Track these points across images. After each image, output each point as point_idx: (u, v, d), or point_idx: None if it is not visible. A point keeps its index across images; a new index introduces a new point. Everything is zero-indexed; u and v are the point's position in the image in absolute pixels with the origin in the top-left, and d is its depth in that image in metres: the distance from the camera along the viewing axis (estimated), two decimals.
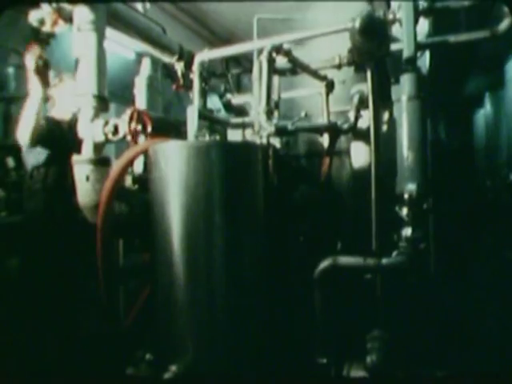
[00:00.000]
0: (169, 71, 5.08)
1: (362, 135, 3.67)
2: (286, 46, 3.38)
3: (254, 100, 3.39)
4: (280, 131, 3.11)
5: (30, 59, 3.06)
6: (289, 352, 2.80)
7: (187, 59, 4.34)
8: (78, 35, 2.98)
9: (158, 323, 2.70)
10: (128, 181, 3.44)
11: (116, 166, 2.81)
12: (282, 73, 3.94)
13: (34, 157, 3.28)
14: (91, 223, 2.94)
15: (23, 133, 3.17)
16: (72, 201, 3.08)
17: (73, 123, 3.25)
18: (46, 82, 3.19)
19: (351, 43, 3.04)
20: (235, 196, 2.57)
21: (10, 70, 5.02)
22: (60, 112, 3.53)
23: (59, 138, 3.35)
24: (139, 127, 2.87)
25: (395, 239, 2.91)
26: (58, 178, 3.28)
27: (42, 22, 3.17)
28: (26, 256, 3.33)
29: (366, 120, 3.56)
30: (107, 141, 2.93)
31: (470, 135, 7.80)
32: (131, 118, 2.85)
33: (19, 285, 3.37)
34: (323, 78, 4.11)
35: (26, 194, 3.32)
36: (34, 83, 3.14)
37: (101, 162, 3.00)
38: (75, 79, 3.03)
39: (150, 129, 2.92)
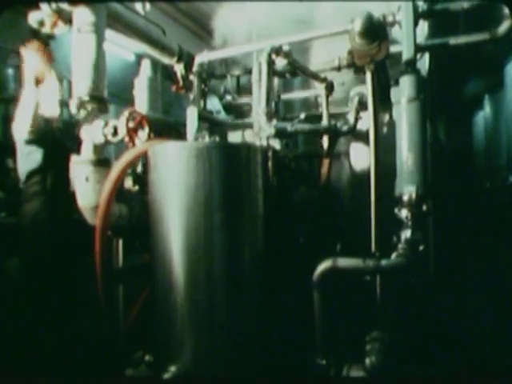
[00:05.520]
0: (168, 73, 5.08)
1: (362, 137, 3.67)
2: (285, 48, 3.38)
3: (254, 101, 3.39)
4: (280, 133, 3.11)
5: (30, 54, 3.07)
6: (288, 353, 2.80)
7: (187, 61, 4.34)
8: (77, 36, 2.98)
9: (157, 324, 2.70)
10: (128, 182, 3.44)
11: (115, 167, 2.81)
12: (281, 74, 3.94)
13: (28, 162, 3.20)
14: (90, 224, 2.94)
15: (21, 126, 3.11)
16: (71, 203, 3.08)
17: (70, 124, 3.24)
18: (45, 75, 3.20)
19: (351, 45, 3.04)
20: (235, 198, 2.57)
21: (10, 71, 5.01)
22: (46, 111, 3.48)
23: (52, 136, 3.33)
24: (137, 128, 2.88)
25: (395, 241, 2.91)
26: (56, 181, 3.26)
27: (41, 23, 3.17)
28: (25, 258, 3.32)
29: (365, 122, 3.56)
30: (107, 142, 2.93)
31: (470, 137, 7.79)
32: (128, 119, 2.85)
33: (18, 285, 3.37)
34: (323, 80, 4.12)
35: (23, 197, 3.27)
36: (30, 78, 3.12)
37: (100, 163, 3.00)
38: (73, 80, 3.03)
39: (147, 129, 2.91)
